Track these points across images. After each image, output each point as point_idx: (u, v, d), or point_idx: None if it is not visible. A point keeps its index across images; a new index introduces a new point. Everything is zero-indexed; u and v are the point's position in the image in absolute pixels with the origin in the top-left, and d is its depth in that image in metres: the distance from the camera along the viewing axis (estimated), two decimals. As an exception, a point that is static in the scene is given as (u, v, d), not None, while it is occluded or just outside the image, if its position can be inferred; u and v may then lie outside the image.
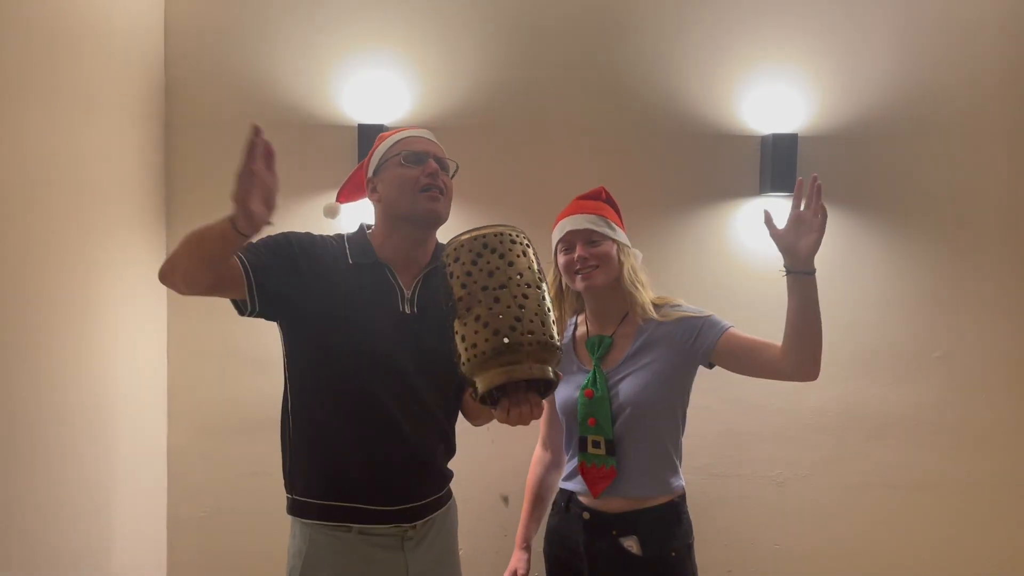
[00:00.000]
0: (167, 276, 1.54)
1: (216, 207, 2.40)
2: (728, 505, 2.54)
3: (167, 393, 2.49)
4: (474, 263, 1.45)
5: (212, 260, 1.48)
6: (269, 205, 1.41)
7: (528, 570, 2.09)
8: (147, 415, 2.38)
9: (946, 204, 2.52)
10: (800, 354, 1.76)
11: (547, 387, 1.51)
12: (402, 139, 1.75)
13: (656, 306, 1.93)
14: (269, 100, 2.45)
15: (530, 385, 1.50)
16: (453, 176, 1.77)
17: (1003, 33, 2.51)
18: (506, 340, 1.39)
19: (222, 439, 2.48)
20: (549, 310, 1.47)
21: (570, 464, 1.99)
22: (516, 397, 1.48)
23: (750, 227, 2.51)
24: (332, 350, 1.63)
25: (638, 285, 1.92)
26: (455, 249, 1.49)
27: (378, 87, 2.45)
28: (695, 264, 2.52)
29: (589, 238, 1.91)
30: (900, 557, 2.56)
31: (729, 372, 2.47)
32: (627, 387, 1.88)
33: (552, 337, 1.45)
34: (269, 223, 1.43)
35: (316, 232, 1.75)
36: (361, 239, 1.75)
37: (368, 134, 2.38)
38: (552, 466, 2.13)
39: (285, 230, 1.69)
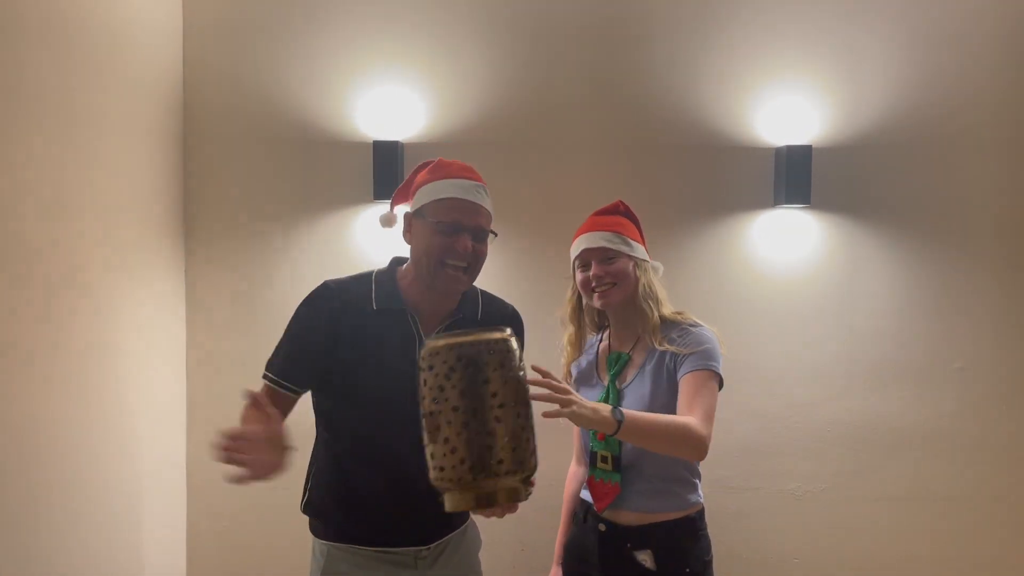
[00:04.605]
0: None
1: (233, 223, 2.48)
2: (746, 519, 2.53)
3: (186, 407, 2.51)
4: (447, 377, 1.34)
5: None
6: (276, 446, 1.40)
7: None
8: (166, 429, 2.40)
9: (963, 215, 2.51)
10: (670, 454, 1.77)
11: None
12: (446, 199, 1.65)
13: (670, 322, 1.91)
14: (285, 117, 2.48)
15: None
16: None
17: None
18: (472, 472, 1.32)
19: (240, 453, 2.49)
20: (524, 428, 1.38)
21: (588, 475, 1.98)
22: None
23: (765, 239, 2.51)
24: (351, 396, 1.66)
25: (651, 303, 1.90)
26: (430, 355, 1.37)
27: (393, 104, 2.47)
28: (710, 276, 2.51)
29: (604, 256, 1.90)
30: (919, 570, 2.53)
31: (746, 384, 2.48)
32: (634, 406, 1.85)
33: (525, 460, 1.37)
34: (282, 467, 1.41)
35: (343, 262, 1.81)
36: (388, 281, 1.71)
37: (383, 151, 2.40)
38: None
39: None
